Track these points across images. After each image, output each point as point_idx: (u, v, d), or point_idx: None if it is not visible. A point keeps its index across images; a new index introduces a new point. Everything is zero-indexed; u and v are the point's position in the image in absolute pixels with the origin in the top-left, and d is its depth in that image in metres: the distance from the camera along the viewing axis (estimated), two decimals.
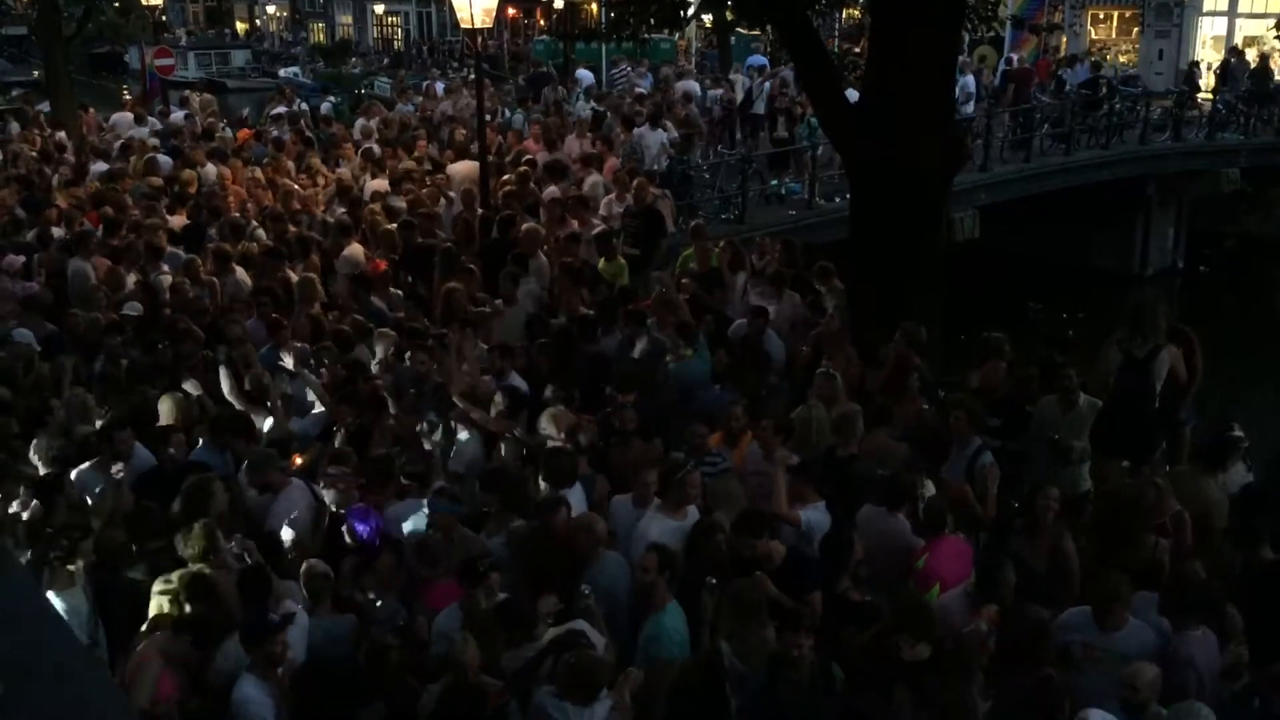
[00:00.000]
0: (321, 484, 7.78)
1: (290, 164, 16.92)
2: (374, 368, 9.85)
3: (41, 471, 8.11)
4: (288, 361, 9.79)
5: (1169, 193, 23.74)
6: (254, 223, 14.02)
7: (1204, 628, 6.29)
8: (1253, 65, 26.26)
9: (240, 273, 12.26)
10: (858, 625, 6.49)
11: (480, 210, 13.74)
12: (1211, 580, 6.62)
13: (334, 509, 7.65)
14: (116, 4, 29.83)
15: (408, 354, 9.75)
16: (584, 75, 27.36)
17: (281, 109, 22.60)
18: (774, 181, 19.28)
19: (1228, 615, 6.42)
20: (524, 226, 12.92)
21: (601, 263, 12.44)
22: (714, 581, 6.40)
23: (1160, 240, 24.11)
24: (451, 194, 14.81)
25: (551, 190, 14.49)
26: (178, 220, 14.18)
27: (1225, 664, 6.18)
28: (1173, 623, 6.31)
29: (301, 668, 6.09)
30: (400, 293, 12.14)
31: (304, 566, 6.75)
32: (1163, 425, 9.01)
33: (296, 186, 15.60)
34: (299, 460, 8.27)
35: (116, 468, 7.87)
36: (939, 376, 9.82)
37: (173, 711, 5.76)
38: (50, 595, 6.21)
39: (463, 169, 15.92)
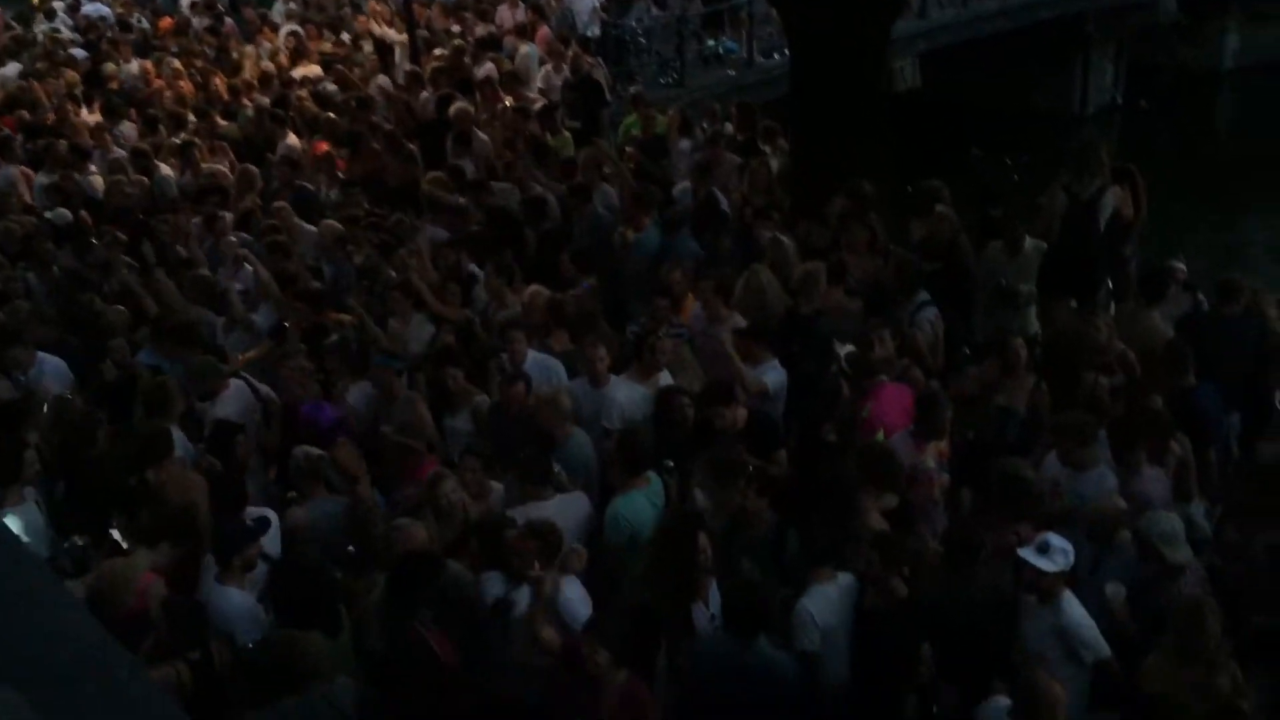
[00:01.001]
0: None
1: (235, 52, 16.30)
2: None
3: None
4: (230, 256, 9.61)
5: (1107, 29, 23.58)
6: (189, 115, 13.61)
7: (1156, 466, 6.49)
8: None
9: (165, 169, 11.93)
10: (830, 465, 6.63)
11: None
12: (1161, 412, 6.81)
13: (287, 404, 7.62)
14: None
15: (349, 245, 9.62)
16: None
17: None
18: (710, 41, 18.89)
19: (1176, 444, 6.64)
20: (454, 106, 12.63)
21: (548, 137, 12.22)
22: (671, 464, 6.45)
23: (1099, 78, 24.04)
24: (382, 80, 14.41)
25: (488, 68, 14.13)
26: (92, 118, 13.70)
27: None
28: (1123, 461, 6.51)
29: (278, 564, 6.10)
30: (341, 175, 11.85)
31: (298, 451, 6.71)
32: (1108, 264, 9.14)
33: (221, 77, 15.10)
34: (243, 358, 8.20)
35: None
36: (888, 229, 9.83)
37: (157, 613, 5.75)
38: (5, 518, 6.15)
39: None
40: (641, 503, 6.41)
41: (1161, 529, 5.72)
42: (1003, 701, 4.92)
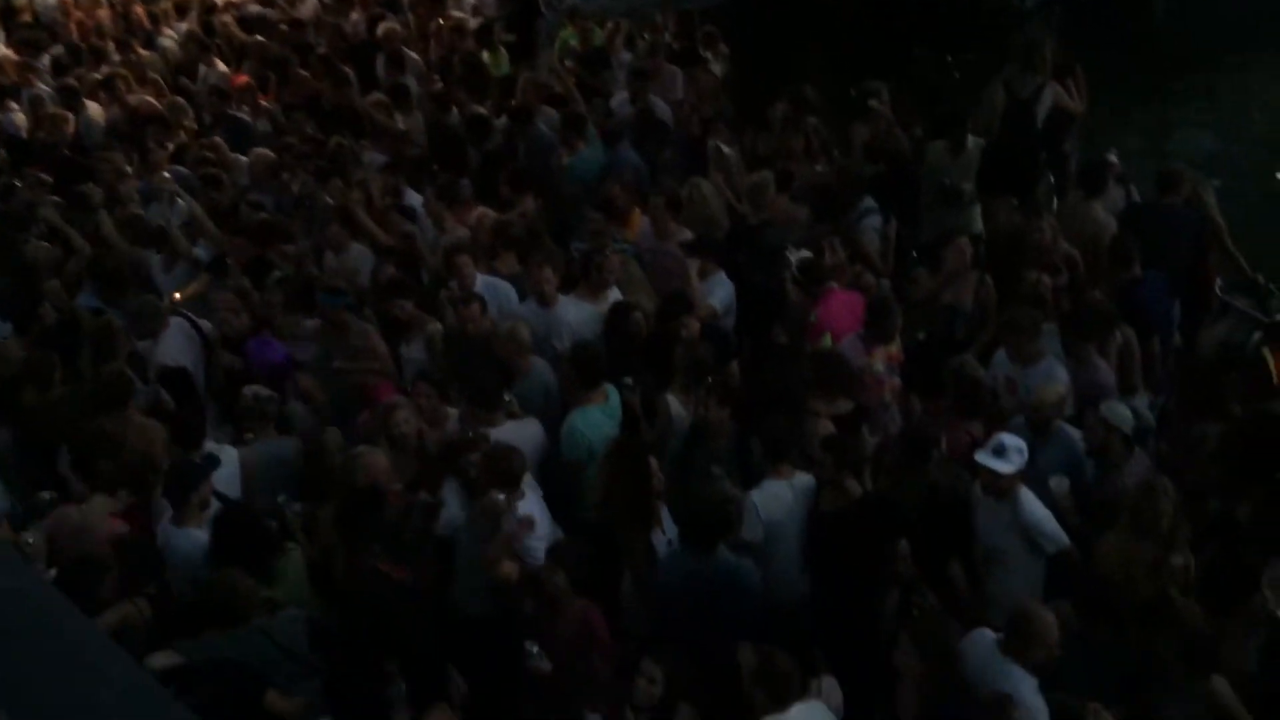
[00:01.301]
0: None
1: None
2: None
3: None
4: (165, 192, 9.38)
5: None
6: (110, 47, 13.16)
7: (1103, 361, 6.59)
8: None
9: (94, 108, 11.56)
10: (779, 370, 6.69)
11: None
12: (1106, 306, 6.90)
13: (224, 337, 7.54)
14: None
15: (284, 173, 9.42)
16: None
17: None
18: None
19: (1120, 334, 6.74)
20: (382, 26, 12.30)
21: (485, 54, 11.95)
22: (630, 382, 6.48)
23: None
24: None
25: None
26: (11, 53, 13.21)
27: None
28: (1073, 354, 6.60)
29: (237, 503, 6.05)
30: (275, 107, 11.55)
31: (247, 391, 6.62)
32: (1047, 160, 9.17)
33: (140, 4, 14.56)
34: (178, 296, 8.07)
35: None
36: (834, 134, 9.77)
37: (110, 554, 5.71)
38: None
39: None
40: (598, 418, 6.41)
41: (1123, 416, 5.88)
42: (988, 635, 4.93)
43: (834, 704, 4.86)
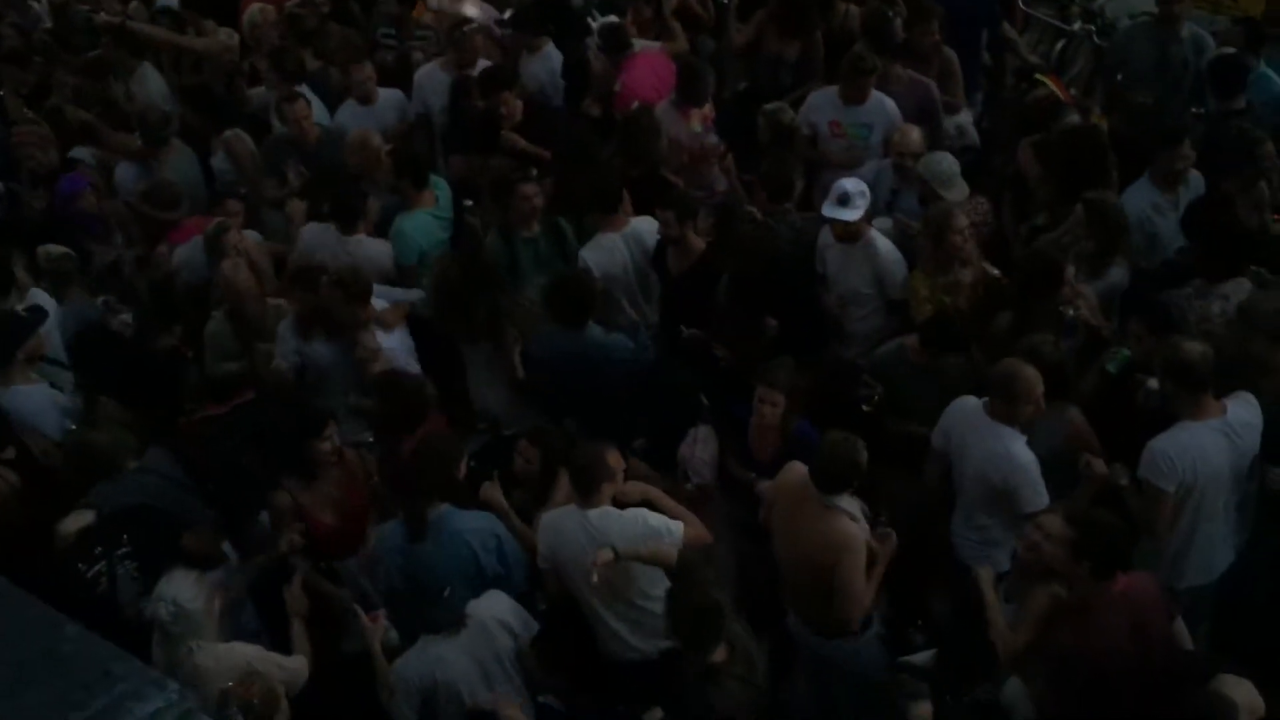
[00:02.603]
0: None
1: None
2: None
3: None
4: None
5: None
6: None
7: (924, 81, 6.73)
8: None
9: None
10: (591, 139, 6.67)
11: None
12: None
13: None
14: None
15: None
16: None
17: None
18: None
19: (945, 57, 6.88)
20: None
21: None
22: (470, 203, 6.38)
23: None
24: None
25: None
26: None
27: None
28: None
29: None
30: None
31: (40, 252, 6.26)
32: None
33: None
34: None
35: None
36: None
37: None
38: None
39: None
40: (427, 221, 6.32)
41: (937, 170, 5.99)
42: (971, 401, 4.85)
43: (709, 454, 5.08)
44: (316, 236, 6.24)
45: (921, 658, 4.18)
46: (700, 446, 5.10)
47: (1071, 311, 5.16)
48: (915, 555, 4.74)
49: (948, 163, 6.04)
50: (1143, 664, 3.98)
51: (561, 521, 4.52)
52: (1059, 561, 4.04)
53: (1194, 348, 4.52)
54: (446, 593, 4.15)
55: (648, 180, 6.30)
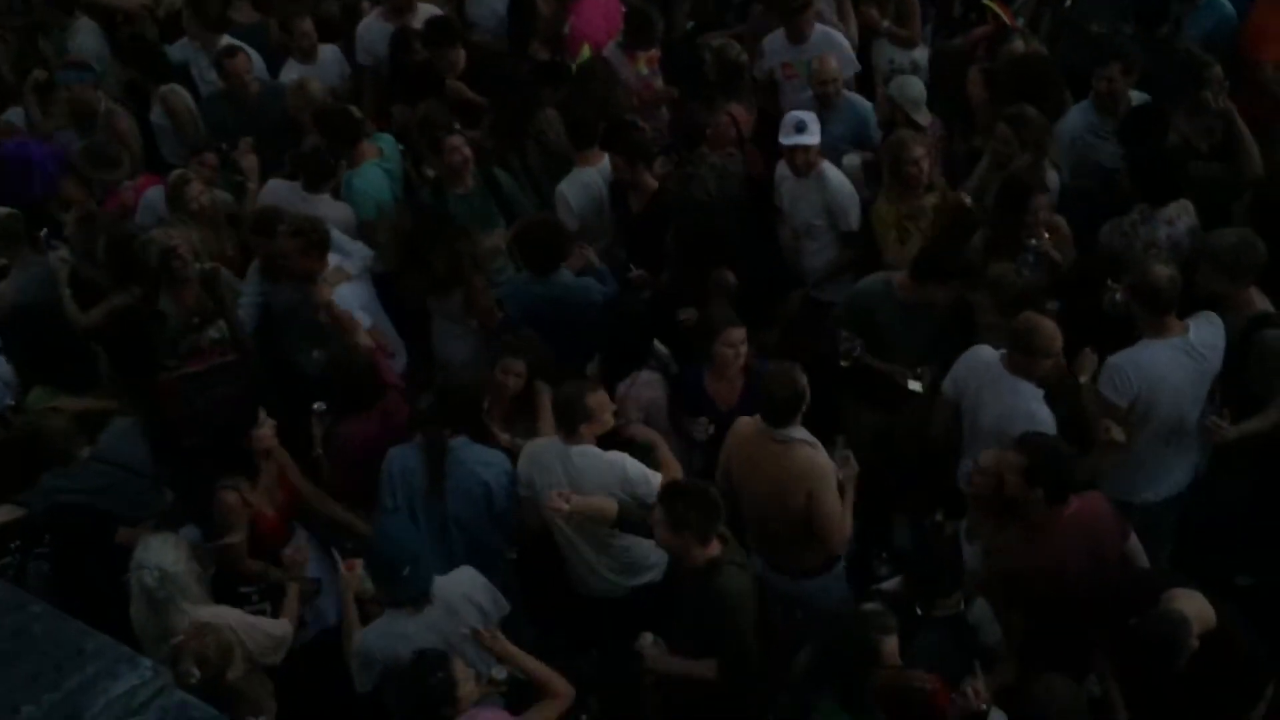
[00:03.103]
0: None
1: None
2: None
3: None
4: None
5: None
6: None
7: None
8: None
9: None
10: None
11: None
12: None
13: None
14: None
15: None
16: None
17: None
18: None
19: None
20: None
21: None
22: (430, 173, 6.32)
23: None
24: None
25: None
26: None
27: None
28: (846, 19, 6.74)
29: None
30: None
31: None
32: None
33: None
34: None
35: None
36: None
37: None
38: None
39: None
40: (374, 172, 6.26)
41: (910, 94, 6.00)
42: (987, 351, 4.76)
43: (644, 398, 5.05)
44: (279, 193, 6.16)
45: (890, 585, 4.24)
46: (637, 389, 5.04)
47: (1034, 242, 5.18)
48: (876, 485, 4.81)
49: (919, 88, 6.08)
50: (1098, 582, 4.06)
51: (543, 453, 4.59)
52: (1014, 488, 4.07)
53: (1162, 271, 4.56)
54: (406, 572, 4.07)
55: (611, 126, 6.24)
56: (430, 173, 6.32)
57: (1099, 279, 4.92)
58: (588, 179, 6.00)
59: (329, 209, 6.04)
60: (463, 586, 4.24)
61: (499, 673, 3.81)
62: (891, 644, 3.67)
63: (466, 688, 3.74)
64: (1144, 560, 4.26)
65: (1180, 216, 5.22)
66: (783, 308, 6.01)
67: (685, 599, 4.15)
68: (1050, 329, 4.52)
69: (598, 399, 4.57)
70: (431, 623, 4.14)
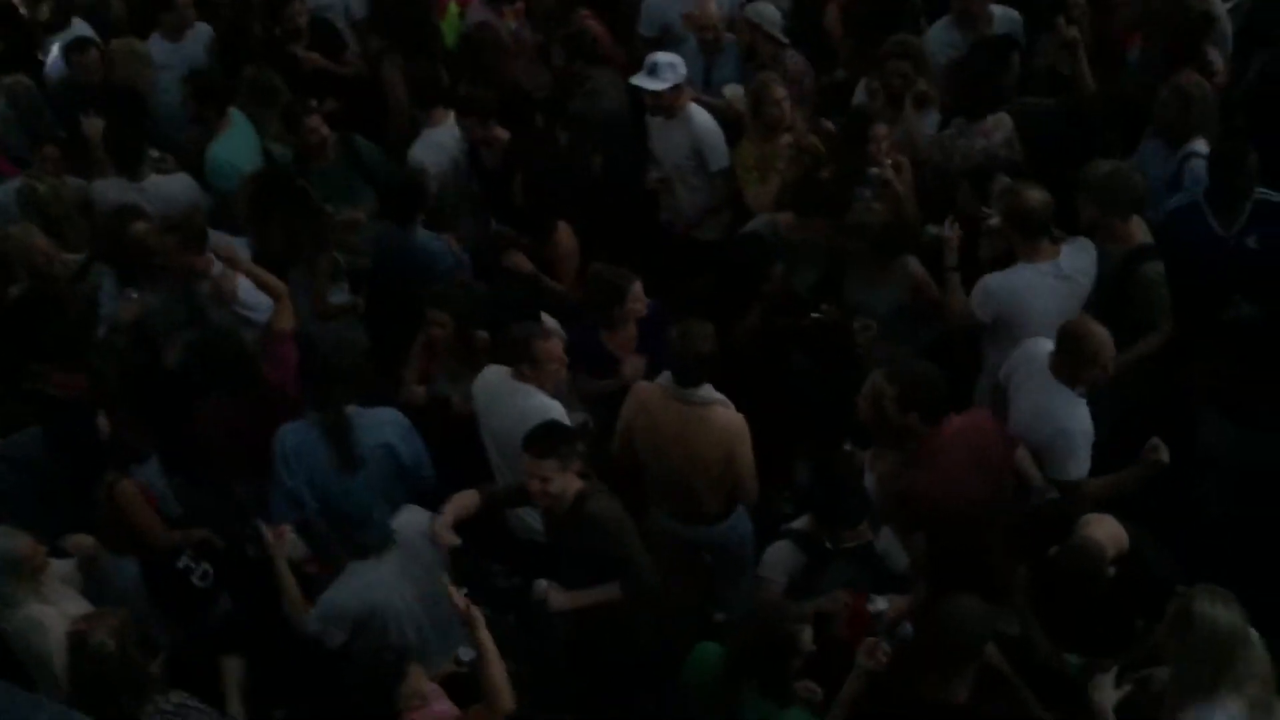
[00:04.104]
0: None
1: None
2: None
3: None
4: None
5: None
6: None
7: None
8: None
9: None
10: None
11: None
12: None
13: None
14: None
15: None
16: None
17: None
18: None
19: None
20: None
21: None
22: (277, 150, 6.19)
23: None
24: None
25: None
26: None
27: None
28: None
29: None
30: None
31: None
32: None
33: None
34: None
35: None
36: None
37: None
38: None
39: None
40: (237, 141, 6.13)
41: (770, 15, 6.05)
42: (1044, 345, 4.49)
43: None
44: (107, 192, 5.89)
45: (800, 523, 4.32)
46: None
47: (875, 170, 5.26)
48: (779, 428, 4.87)
49: (775, 11, 6.10)
50: (991, 492, 4.17)
51: (498, 385, 4.56)
52: (893, 416, 4.11)
53: (1034, 195, 4.64)
54: (376, 516, 4.15)
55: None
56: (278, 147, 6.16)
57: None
58: (438, 139, 5.96)
59: (164, 189, 5.84)
60: (419, 525, 4.21)
61: (465, 654, 3.77)
62: (807, 633, 3.70)
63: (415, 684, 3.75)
64: (1034, 470, 4.34)
65: (996, 129, 5.34)
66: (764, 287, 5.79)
67: (566, 539, 4.14)
68: (1100, 337, 4.22)
69: (547, 347, 4.52)
70: (397, 565, 4.16)
